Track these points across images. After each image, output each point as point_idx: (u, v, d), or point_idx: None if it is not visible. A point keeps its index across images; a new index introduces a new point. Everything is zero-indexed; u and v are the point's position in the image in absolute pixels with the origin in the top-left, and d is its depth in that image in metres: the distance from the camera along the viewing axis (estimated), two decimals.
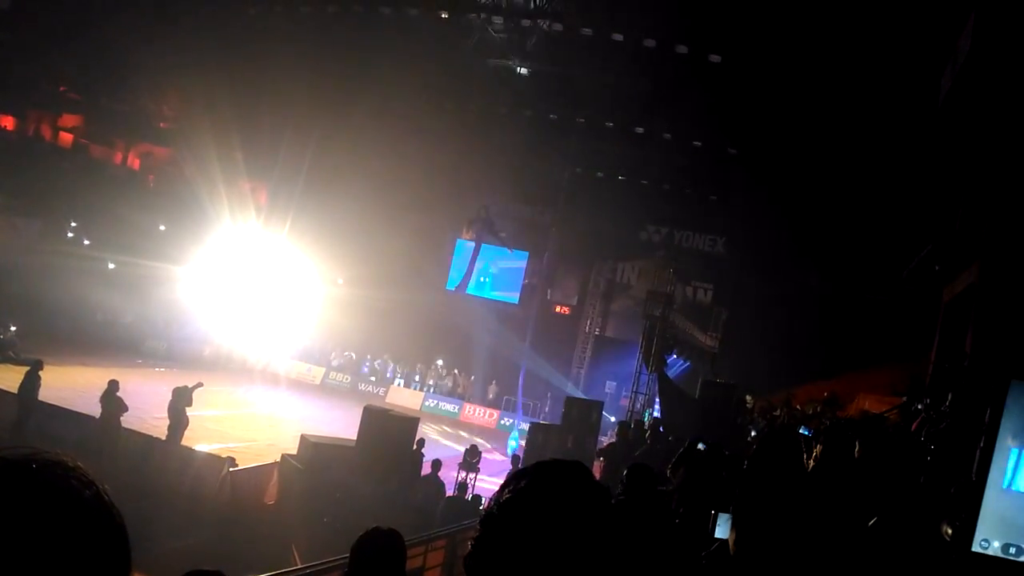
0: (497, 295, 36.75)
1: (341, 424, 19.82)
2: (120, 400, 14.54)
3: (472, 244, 36.92)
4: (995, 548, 2.52)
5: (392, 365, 34.71)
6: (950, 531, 2.83)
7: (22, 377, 14.97)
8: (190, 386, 15.44)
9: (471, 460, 15.82)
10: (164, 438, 14.94)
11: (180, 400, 15.27)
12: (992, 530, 2.53)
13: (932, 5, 15.38)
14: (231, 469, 13.74)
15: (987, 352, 9.77)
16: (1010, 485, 2.54)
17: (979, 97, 10.89)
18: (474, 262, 36.77)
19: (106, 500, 0.97)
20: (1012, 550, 2.49)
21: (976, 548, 2.54)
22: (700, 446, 6.96)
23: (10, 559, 0.86)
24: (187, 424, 15.30)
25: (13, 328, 23.52)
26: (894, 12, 18.47)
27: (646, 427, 16.16)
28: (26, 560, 0.86)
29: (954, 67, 11.45)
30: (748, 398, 17.65)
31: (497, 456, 22.39)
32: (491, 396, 33.12)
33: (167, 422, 15.19)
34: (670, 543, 4.59)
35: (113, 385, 14.65)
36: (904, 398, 10.16)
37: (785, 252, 28.22)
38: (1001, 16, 9.98)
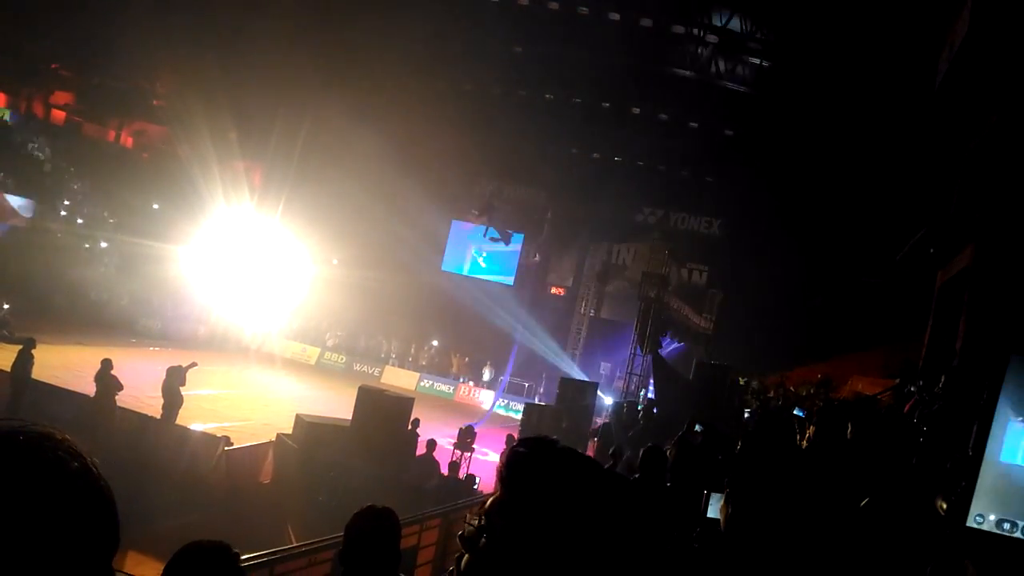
0: (492, 276, 36.74)
1: (336, 404, 19.84)
2: (115, 379, 14.52)
3: (468, 225, 36.89)
4: (990, 523, 2.53)
5: (387, 345, 34.76)
6: (945, 506, 2.85)
7: (14, 356, 14.94)
8: (184, 366, 15.42)
9: (466, 440, 15.88)
10: (159, 417, 14.95)
11: (174, 379, 15.26)
12: (987, 505, 2.54)
13: None
14: (226, 448, 13.77)
15: (980, 335, 9.81)
16: (1006, 458, 2.55)
17: (976, 80, 10.86)
18: (470, 244, 36.77)
19: (94, 472, 0.98)
20: (1006, 525, 2.50)
21: (971, 523, 2.56)
22: (697, 427, 7.04)
23: None
24: (182, 403, 15.30)
25: (6, 306, 23.46)
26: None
27: (640, 408, 16.23)
28: (13, 529, 0.87)
29: (951, 49, 11.41)
30: (741, 380, 17.74)
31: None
32: (486, 377, 33.18)
33: (162, 401, 15.21)
34: (665, 520, 4.63)
35: (107, 364, 14.62)
36: (897, 380, 10.20)
37: (780, 234, 28.24)
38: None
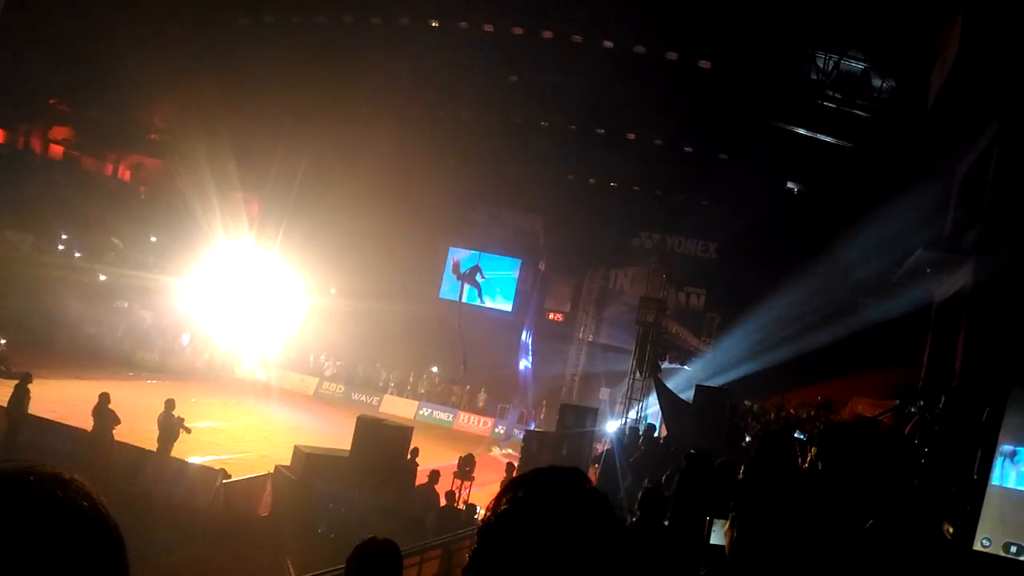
0: (490, 303, 36.74)
1: (335, 434, 19.75)
2: (112, 412, 14.45)
3: (465, 253, 36.98)
4: (996, 546, 2.52)
5: (386, 374, 34.67)
6: (951, 530, 2.83)
7: (11, 391, 14.89)
8: (176, 416, 15.21)
9: (465, 469, 15.78)
10: (156, 449, 14.85)
11: (169, 411, 15.15)
12: (993, 529, 2.53)
13: (921, 8, 15.48)
14: (224, 481, 13.67)
15: (979, 355, 9.81)
16: (1011, 484, 2.54)
17: (968, 99, 10.96)
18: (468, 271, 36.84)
19: (103, 512, 0.99)
20: (1013, 548, 2.49)
21: (977, 547, 2.54)
22: (691, 451, 7.03)
23: (9, 571, 0.86)
24: (177, 436, 15.18)
25: (3, 341, 23.40)
26: (883, 16, 18.57)
27: (640, 434, 16.13)
28: (25, 572, 0.87)
29: (943, 68, 11.52)
30: (747, 402, 17.72)
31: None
32: (480, 404, 33.09)
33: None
34: (668, 552, 4.60)
35: (104, 398, 14.55)
36: (897, 401, 10.18)
37: (776, 256, 28.27)
38: (988, 18, 10.05)
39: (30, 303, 27.74)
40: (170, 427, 15.06)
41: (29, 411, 14.87)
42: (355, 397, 33.09)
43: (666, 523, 5.67)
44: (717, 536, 3.37)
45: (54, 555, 0.90)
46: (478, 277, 36.69)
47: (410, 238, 34.90)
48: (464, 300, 36.50)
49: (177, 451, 15.22)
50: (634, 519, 5.69)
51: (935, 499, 3.42)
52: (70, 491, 0.96)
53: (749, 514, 2.21)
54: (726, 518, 2.32)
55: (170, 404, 15.21)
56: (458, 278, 36.52)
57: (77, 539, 0.93)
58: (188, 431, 15.29)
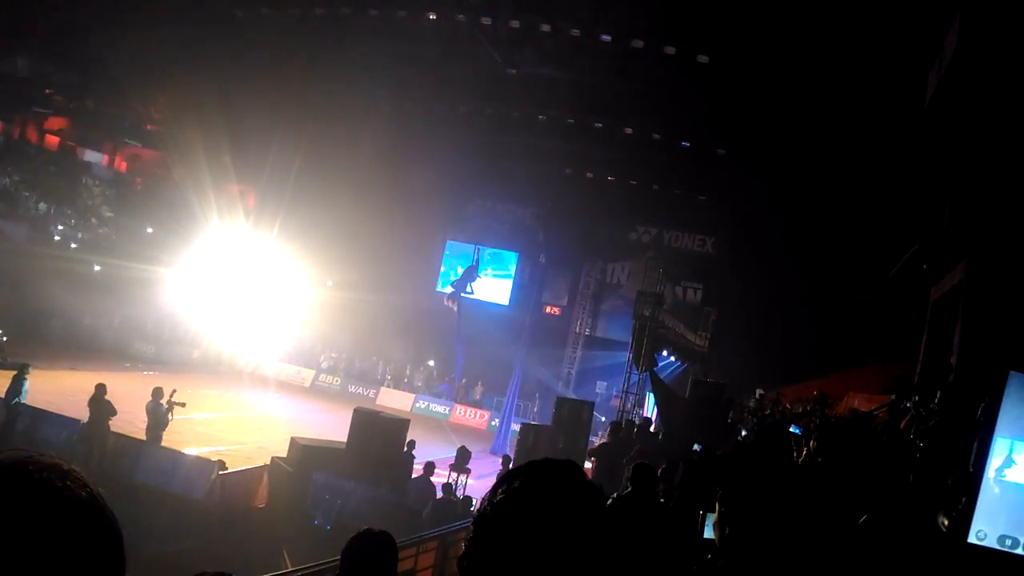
0: (487, 297, 36.72)
1: (331, 426, 19.76)
2: (108, 404, 14.43)
3: (461, 245, 36.95)
4: (991, 539, 2.52)
5: (382, 367, 34.68)
6: (946, 522, 2.84)
7: (8, 381, 14.87)
8: (164, 405, 15.17)
9: (461, 461, 15.81)
10: (145, 439, 14.83)
11: (156, 401, 15.12)
12: (988, 521, 2.54)
13: (919, 5, 15.47)
14: (221, 472, 13.68)
15: (975, 350, 9.83)
16: (1006, 477, 2.55)
17: (965, 97, 10.96)
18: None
19: (101, 503, 1.00)
20: (1008, 542, 2.49)
21: (972, 539, 2.55)
22: (696, 447, 7.04)
23: (7, 560, 0.86)
24: (167, 424, 15.14)
25: (0, 331, 23.35)
26: (881, 12, 18.55)
27: (636, 428, 16.15)
28: (23, 561, 0.87)
29: (940, 67, 11.51)
30: (760, 392, 17.80)
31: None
32: (477, 397, 33.13)
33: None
34: (664, 541, 4.61)
35: (100, 389, 14.53)
36: (893, 396, 10.21)
37: (773, 252, 28.32)
38: (986, 16, 10.05)
39: (26, 294, 27.67)
40: (159, 415, 15.06)
41: (26, 401, 14.86)
42: (352, 390, 33.12)
43: (660, 499, 5.68)
44: (711, 530, 3.37)
45: (52, 544, 0.91)
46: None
47: (407, 231, 34.87)
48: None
49: (174, 442, 15.23)
50: (627, 490, 5.70)
51: (930, 492, 3.43)
52: (69, 481, 0.97)
53: (742, 509, 2.21)
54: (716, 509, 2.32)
55: (158, 392, 15.19)
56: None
57: (75, 529, 0.94)
58: (171, 418, 15.28)
